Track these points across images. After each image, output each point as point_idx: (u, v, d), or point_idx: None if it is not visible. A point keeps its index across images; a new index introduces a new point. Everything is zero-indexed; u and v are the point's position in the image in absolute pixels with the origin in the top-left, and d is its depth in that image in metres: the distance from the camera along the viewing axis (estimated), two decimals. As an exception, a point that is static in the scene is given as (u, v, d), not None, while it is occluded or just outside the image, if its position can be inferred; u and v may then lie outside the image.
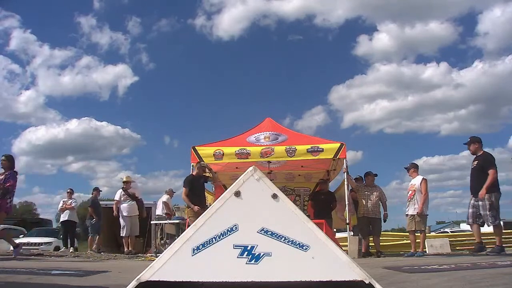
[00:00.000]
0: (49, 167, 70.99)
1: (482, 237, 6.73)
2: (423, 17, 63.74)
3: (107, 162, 71.13)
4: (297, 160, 8.17)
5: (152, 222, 9.61)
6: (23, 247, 12.08)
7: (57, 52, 62.77)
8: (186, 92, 67.59)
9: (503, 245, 6.54)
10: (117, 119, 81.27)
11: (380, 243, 8.66)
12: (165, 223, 8.85)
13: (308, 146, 7.89)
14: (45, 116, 63.40)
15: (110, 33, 63.95)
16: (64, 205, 10.29)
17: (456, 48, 60.96)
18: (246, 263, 1.59)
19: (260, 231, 1.63)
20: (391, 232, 16.92)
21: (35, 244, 12.70)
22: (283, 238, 1.62)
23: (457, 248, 10.69)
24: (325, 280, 1.57)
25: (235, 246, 1.61)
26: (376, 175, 8.40)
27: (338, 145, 7.89)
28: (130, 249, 9.04)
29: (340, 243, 6.85)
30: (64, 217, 10.33)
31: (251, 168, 1.73)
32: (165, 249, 2.93)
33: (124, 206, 9.28)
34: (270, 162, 8.55)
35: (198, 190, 7.80)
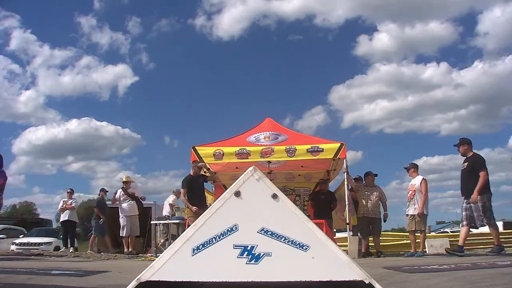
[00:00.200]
0: (49, 167, 71.14)
1: (482, 237, 6.74)
2: (423, 17, 63.80)
3: (107, 162, 71.26)
4: (297, 160, 8.17)
5: (152, 222, 9.62)
6: (24, 247, 12.17)
7: (57, 52, 62.88)
8: (186, 92, 67.65)
9: (503, 245, 6.54)
10: (117, 119, 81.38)
11: (380, 243, 8.66)
12: (171, 223, 8.82)
13: (308, 146, 7.89)
14: (45, 116, 63.53)
15: (110, 33, 64.04)
16: (64, 205, 10.29)
17: (456, 48, 61.04)
18: (246, 263, 1.59)
19: (260, 231, 1.63)
20: (391, 232, 16.93)
21: (35, 244, 12.71)
22: (283, 238, 1.62)
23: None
24: (325, 280, 1.57)
25: (235, 246, 1.61)
26: (376, 175, 8.41)
27: (338, 145, 7.89)
28: (130, 249, 9.03)
29: (340, 243, 6.85)
30: (64, 217, 10.33)
31: (251, 168, 1.73)
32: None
33: (124, 206, 9.28)
34: (270, 162, 8.54)
35: (198, 190, 7.81)
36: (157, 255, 6.58)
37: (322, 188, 8.88)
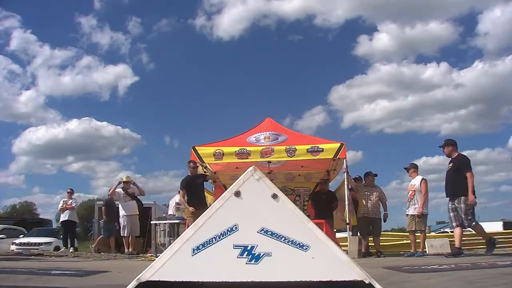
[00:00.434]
0: (49, 167, 70.93)
1: (482, 237, 6.73)
2: (423, 17, 63.56)
3: (107, 162, 71.02)
4: (297, 160, 8.17)
5: (152, 222, 9.61)
6: (24, 247, 12.18)
7: (58, 52, 62.61)
8: (186, 92, 67.45)
9: (503, 245, 6.55)
10: (117, 119, 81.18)
11: (380, 243, 8.67)
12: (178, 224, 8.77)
13: (308, 146, 7.90)
14: (45, 116, 63.26)
15: (110, 33, 63.80)
16: (64, 205, 10.28)
17: (456, 48, 60.75)
18: (246, 263, 1.59)
19: (260, 231, 1.63)
20: (391, 232, 16.93)
21: (35, 244, 12.71)
22: (283, 238, 1.62)
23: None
24: (325, 280, 1.57)
25: (235, 246, 1.61)
26: (376, 175, 8.41)
27: (338, 145, 7.90)
28: (130, 249, 9.03)
29: (340, 243, 6.84)
30: (64, 217, 10.32)
31: (251, 168, 1.73)
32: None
33: (124, 205, 9.27)
34: (270, 162, 8.55)
35: (197, 190, 7.81)
36: (157, 255, 6.58)
37: (322, 188, 8.88)
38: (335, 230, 8.80)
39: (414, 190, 7.33)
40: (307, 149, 7.82)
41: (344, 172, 7.92)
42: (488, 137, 62.33)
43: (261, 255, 1.60)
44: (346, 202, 7.66)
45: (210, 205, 2.03)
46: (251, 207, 1.68)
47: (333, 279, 1.57)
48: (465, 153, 6.80)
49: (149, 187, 66.75)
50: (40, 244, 12.74)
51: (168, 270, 1.60)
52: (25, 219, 22.97)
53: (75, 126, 58.60)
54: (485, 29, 62.59)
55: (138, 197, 9.53)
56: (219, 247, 1.61)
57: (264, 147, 7.89)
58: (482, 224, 6.70)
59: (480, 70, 53.68)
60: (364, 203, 8.03)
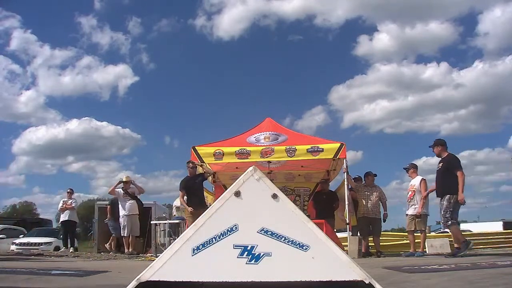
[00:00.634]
0: (49, 167, 71.04)
1: (482, 237, 6.72)
2: (423, 17, 63.67)
3: (107, 162, 71.13)
4: (297, 160, 8.17)
5: (152, 222, 9.61)
6: (24, 247, 12.18)
7: (58, 52, 62.76)
8: (186, 92, 67.54)
9: (503, 245, 6.54)
10: (117, 119, 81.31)
11: (380, 243, 8.66)
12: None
13: (308, 146, 7.90)
14: (46, 116, 63.37)
15: (110, 33, 63.94)
16: (64, 205, 10.28)
17: (456, 48, 60.84)
18: (246, 263, 1.59)
19: (260, 231, 1.63)
20: (391, 232, 16.92)
21: (35, 244, 12.70)
22: (283, 238, 1.62)
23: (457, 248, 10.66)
24: (325, 280, 1.57)
25: (235, 246, 1.61)
26: (375, 175, 8.41)
27: (338, 145, 7.89)
28: (131, 249, 9.02)
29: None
30: (64, 217, 10.31)
31: (251, 168, 1.73)
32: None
33: (124, 205, 9.26)
34: (270, 162, 8.54)
35: (196, 190, 7.82)
36: (157, 255, 6.58)
37: (323, 188, 8.88)
38: (335, 230, 8.80)
39: (414, 190, 7.34)
40: (307, 149, 7.82)
41: (344, 172, 7.92)
42: (488, 137, 62.45)
43: (261, 255, 1.60)
44: (346, 202, 7.66)
45: (210, 205, 2.03)
46: (251, 207, 1.68)
47: (333, 279, 1.57)
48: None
49: (149, 187, 66.85)
50: (40, 244, 12.74)
51: (168, 270, 1.60)
52: (25, 219, 22.95)
53: (75, 126, 58.74)
54: (485, 29, 62.78)
55: (138, 196, 9.52)
56: (219, 247, 1.61)
57: (264, 147, 7.89)
58: (482, 224, 6.70)
59: (480, 70, 53.76)
60: (364, 203, 8.03)
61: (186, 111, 67.70)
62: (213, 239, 1.62)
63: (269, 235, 1.62)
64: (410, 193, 7.41)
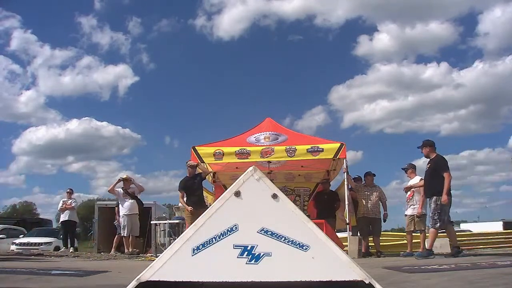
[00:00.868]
0: (49, 167, 71.10)
1: (482, 237, 6.72)
2: (423, 17, 63.78)
3: (107, 162, 71.14)
4: (297, 160, 8.17)
5: (152, 222, 9.60)
6: (24, 247, 12.17)
7: (58, 52, 62.87)
8: (186, 92, 67.63)
9: (503, 245, 6.53)
10: (117, 119, 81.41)
11: (380, 243, 8.66)
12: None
13: (308, 146, 7.90)
14: (46, 116, 63.44)
15: (110, 33, 64.05)
16: (64, 205, 10.27)
17: (457, 48, 60.94)
18: (246, 263, 1.59)
19: (260, 231, 1.63)
20: (391, 232, 16.92)
21: (35, 244, 12.70)
22: (283, 238, 1.62)
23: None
24: (325, 280, 1.57)
25: (235, 246, 1.61)
26: (374, 175, 8.41)
27: (338, 145, 7.90)
28: (130, 250, 9.01)
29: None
30: (64, 217, 10.30)
31: (251, 168, 1.73)
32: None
33: (124, 205, 9.26)
34: (270, 162, 8.55)
35: (196, 190, 7.82)
36: (157, 255, 6.58)
37: (325, 188, 8.88)
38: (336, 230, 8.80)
39: (412, 190, 7.34)
40: (307, 149, 7.82)
41: (344, 172, 7.92)
42: (488, 137, 62.54)
43: (261, 255, 1.60)
44: (346, 202, 7.66)
45: (210, 205, 2.03)
46: (251, 207, 1.68)
47: (333, 279, 1.57)
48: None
49: (149, 187, 66.82)
50: (40, 244, 12.73)
51: (168, 270, 1.60)
52: (25, 219, 22.94)
53: (75, 126, 58.78)
54: (485, 29, 62.89)
55: (138, 196, 9.52)
56: (219, 247, 1.61)
57: (264, 147, 7.89)
58: (482, 224, 6.70)
59: (480, 70, 53.81)
60: (364, 203, 8.03)
61: (186, 111, 67.81)
62: (213, 239, 1.62)
63: (269, 235, 1.62)
64: (409, 193, 7.41)
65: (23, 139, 60.99)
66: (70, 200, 10.41)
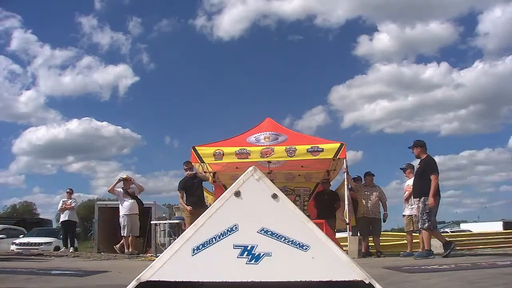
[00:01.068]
0: (49, 167, 71.12)
1: (482, 237, 6.70)
2: (424, 17, 63.87)
3: (107, 162, 71.18)
4: (297, 160, 8.17)
5: (152, 222, 9.60)
6: (24, 247, 12.17)
7: (58, 52, 62.92)
8: (186, 92, 67.67)
9: (503, 245, 6.52)
10: (117, 119, 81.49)
11: (380, 243, 8.66)
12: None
13: (308, 146, 7.90)
14: (46, 116, 63.46)
15: (110, 33, 64.12)
16: (64, 205, 10.27)
17: (457, 48, 61.01)
18: (246, 263, 1.59)
19: (260, 231, 1.63)
20: (391, 232, 16.92)
21: (35, 244, 12.69)
22: (283, 238, 1.62)
23: (457, 248, 10.66)
24: (325, 280, 1.57)
25: (235, 246, 1.61)
26: (374, 175, 8.41)
27: (338, 145, 7.90)
28: (130, 250, 9.01)
29: (340, 243, 6.83)
30: (64, 217, 10.30)
31: (251, 168, 1.73)
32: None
33: (124, 204, 9.25)
34: (270, 162, 8.54)
35: (195, 190, 7.83)
36: (157, 255, 6.58)
37: (325, 188, 8.88)
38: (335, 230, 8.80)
39: (410, 190, 7.32)
40: (307, 149, 7.82)
41: (344, 172, 7.92)
42: (488, 137, 62.59)
43: (261, 255, 1.60)
44: (346, 202, 7.66)
45: (210, 205, 2.03)
46: (251, 207, 1.67)
47: (333, 279, 1.57)
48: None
49: (149, 187, 66.89)
50: (40, 244, 12.72)
51: (168, 270, 1.60)
52: (25, 219, 22.94)
53: (75, 126, 58.80)
54: (485, 29, 62.97)
55: (138, 196, 9.52)
56: (219, 247, 1.61)
57: (264, 147, 7.89)
58: (482, 224, 6.70)
59: (480, 70, 53.84)
60: (364, 203, 8.03)
61: (186, 111, 67.85)
62: (213, 239, 1.62)
63: (269, 235, 1.62)
64: (407, 193, 7.40)
65: (23, 139, 61.06)
66: (70, 200, 10.40)
